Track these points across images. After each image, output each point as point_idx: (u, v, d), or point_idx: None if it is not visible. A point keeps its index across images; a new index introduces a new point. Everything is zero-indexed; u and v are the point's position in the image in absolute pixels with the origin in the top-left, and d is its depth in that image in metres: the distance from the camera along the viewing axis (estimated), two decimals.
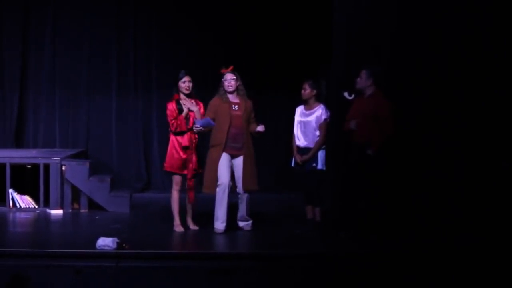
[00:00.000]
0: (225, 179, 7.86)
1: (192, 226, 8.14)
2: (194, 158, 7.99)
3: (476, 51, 7.86)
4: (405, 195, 7.84)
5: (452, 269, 6.77)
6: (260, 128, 7.89)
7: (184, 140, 7.97)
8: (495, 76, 7.85)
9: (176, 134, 8.01)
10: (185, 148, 7.97)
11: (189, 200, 8.07)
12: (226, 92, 7.95)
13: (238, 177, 7.94)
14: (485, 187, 7.77)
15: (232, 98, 7.96)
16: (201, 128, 7.78)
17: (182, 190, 8.12)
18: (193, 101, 8.05)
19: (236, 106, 7.92)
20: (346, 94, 7.77)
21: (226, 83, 7.93)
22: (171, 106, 7.99)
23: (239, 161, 7.93)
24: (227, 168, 7.89)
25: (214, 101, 7.99)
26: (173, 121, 7.96)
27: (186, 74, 8.00)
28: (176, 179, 8.08)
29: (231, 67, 7.98)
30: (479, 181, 7.79)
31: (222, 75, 7.98)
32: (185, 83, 7.98)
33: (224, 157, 7.88)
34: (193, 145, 7.98)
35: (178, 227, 8.07)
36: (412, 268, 6.80)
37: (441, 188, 7.87)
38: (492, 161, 7.80)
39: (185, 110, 7.94)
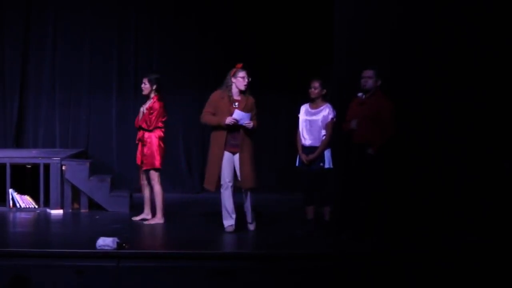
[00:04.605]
0: (227, 178, 7.87)
1: (149, 221, 8.57)
2: (143, 152, 8.47)
3: (478, 51, 7.86)
4: (406, 196, 7.83)
5: (454, 269, 6.76)
6: (249, 124, 7.81)
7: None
8: (496, 77, 7.85)
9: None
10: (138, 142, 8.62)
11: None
12: (238, 88, 7.87)
13: (238, 175, 7.94)
14: (487, 188, 7.77)
15: (235, 95, 7.92)
16: (235, 120, 7.75)
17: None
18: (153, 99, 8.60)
19: (237, 104, 7.89)
20: (360, 95, 7.67)
21: (242, 81, 7.84)
22: None
23: (237, 158, 7.90)
24: (230, 168, 7.89)
25: (214, 96, 7.97)
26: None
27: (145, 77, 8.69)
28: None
29: (240, 64, 7.95)
30: (481, 182, 7.79)
31: (236, 71, 7.88)
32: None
33: (226, 156, 7.87)
34: (143, 140, 8.47)
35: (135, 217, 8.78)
36: (414, 269, 6.79)
37: (442, 188, 7.87)
38: (494, 162, 7.79)
39: (141, 109, 8.62)
